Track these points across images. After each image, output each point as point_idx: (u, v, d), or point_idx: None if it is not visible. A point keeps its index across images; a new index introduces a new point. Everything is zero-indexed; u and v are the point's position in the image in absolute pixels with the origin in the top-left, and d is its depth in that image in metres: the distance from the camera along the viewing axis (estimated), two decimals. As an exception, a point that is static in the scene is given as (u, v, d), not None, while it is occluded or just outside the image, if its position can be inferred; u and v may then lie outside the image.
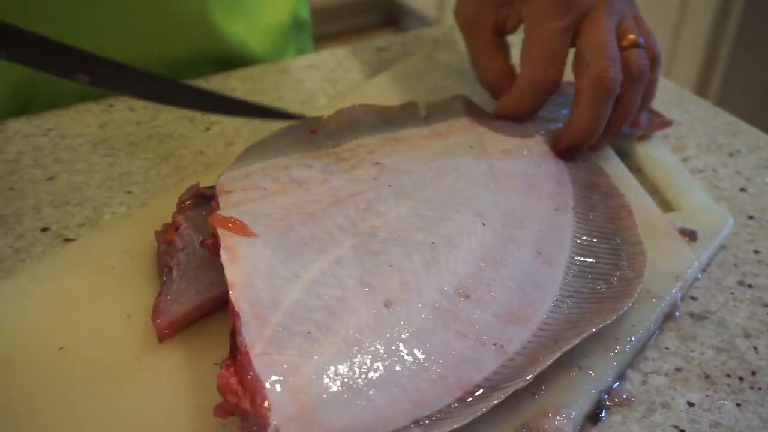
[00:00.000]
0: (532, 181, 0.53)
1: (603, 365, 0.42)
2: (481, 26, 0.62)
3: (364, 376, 0.37)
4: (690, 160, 0.64)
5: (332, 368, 0.37)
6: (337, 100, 0.67)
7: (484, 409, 0.36)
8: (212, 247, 0.43)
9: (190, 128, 0.66)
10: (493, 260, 0.45)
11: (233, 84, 0.73)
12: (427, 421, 0.36)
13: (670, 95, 0.73)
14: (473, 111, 0.62)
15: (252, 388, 0.35)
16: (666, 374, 0.44)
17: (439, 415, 0.36)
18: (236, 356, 0.36)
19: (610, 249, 0.48)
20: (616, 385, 0.43)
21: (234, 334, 0.37)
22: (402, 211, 0.47)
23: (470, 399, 0.38)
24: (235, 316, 0.38)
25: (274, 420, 0.33)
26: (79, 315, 0.44)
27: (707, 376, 0.44)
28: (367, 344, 0.38)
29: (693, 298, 0.49)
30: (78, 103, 0.69)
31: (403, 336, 0.39)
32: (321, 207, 0.47)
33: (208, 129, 0.66)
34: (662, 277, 0.48)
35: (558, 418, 0.39)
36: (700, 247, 0.51)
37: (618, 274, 0.46)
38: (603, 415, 0.41)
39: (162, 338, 0.42)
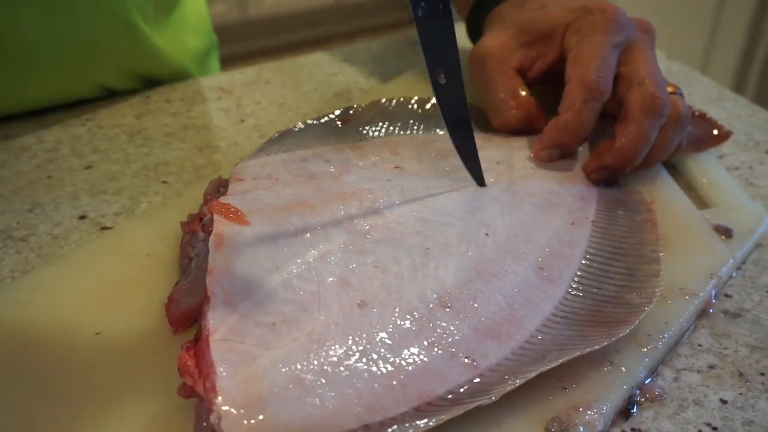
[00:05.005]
0: (552, 199, 0.52)
1: (635, 361, 0.42)
2: (507, 63, 0.59)
3: (318, 374, 0.36)
4: (726, 158, 0.63)
5: (288, 362, 0.36)
6: (371, 94, 0.67)
7: (432, 424, 0.35)
8: (208, 232, 0.44)
9: (225, 120, 0.67)
10: (487, 272, 0.44)
11: (268, 76, 0.74)
12: (378, 427, 0.35)
13: (707, 91, 0.72)
14: None
15: (206, 372, 0.35)
16: (699, 371, 0.43)
17: (391, 423, 0.35)
18: (198, 339, 0.37)
19: (623, 268, 0.47)
20: (648, 381, 0.42)
21: (201, 318, 0.38)
22: (404, 214, 0.47)
23: (427, 410, 0.36)
24: (206, 299, 0.38)
25: (218, 406, 0.34)
26: (116, 301, 0.45)
27: (741, 374, 0.43)
28: (330, 342, 0.38)
29: (727, 296, 0.49)
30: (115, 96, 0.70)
31: (370, 338, 0.38)
32: (324, 202, 0.47)
33: (242, 121, 0.67)
34: (697, 274, 0.48)
35: (589, 412, 0.39)
36: (736, 244, 0.51)
37: (625, 297, 0.44)
38: (635, 410, 0.41)
39: (176, 329, 0.43)
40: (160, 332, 0.43)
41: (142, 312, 0.44)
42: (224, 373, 0.35)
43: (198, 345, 0.36)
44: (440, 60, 0.49)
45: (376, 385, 0.36)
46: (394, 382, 0.37)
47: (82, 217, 0.55)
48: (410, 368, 0.37)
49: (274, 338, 0.37)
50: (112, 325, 0.43)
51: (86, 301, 0.45)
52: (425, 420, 0.35)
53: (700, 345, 0.45)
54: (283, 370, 0.36)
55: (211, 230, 0.43)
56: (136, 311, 0.44)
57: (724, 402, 0.41)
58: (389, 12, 3.06)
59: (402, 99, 0.61)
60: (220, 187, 0.51)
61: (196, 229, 0.47)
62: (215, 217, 0.43)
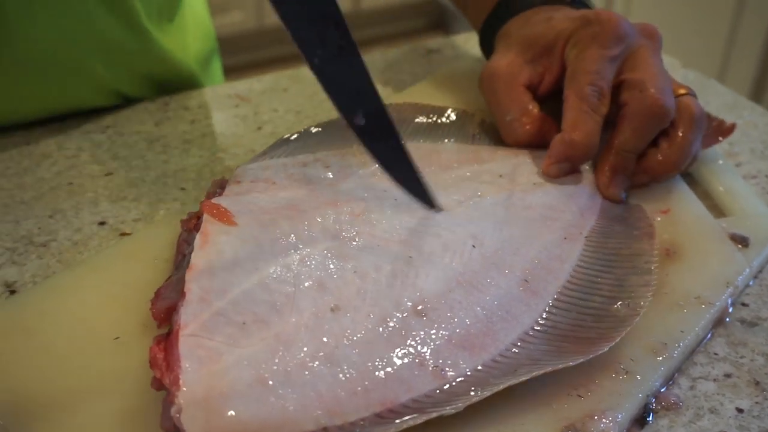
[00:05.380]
0: (550, 214, 0.51)
1: (650, 370, 0.42)
2: (516, 81, 0.59)
3: (282, 375, 0.36)
4: (743, 166, 0.63)
5: (253, 361, 0.37)
6: (386, 102, 0.67)
7: (391, 431, 0.35)
8: (195, 230, 0.45)
9: (243, 127, 0.68)
10: (468, 283, 0.44)
11: (285, 84, 0.74)
12: (336, 430, 0.35)
13: (724, 99, 0.72)
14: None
15: (172, 366, 0.36)
16: (715, 380, 0.43)
17: (351, 428, 0.36)
18: (170, 334, 0.38)
19: (613, 279, 0.46)
20: (663, 389, 0.42)
21: (174, 313, 0.38)
22: (393, 223, 0.47)
23: (388, 416, 0.36)
24: (182, 295, 0.39)
25: (179, 399, 0.34)
26: (135, 307, 0.45)
27: (757, 383, 0.43)
28: (297, 344, 0.38)
29: (744, 305, 0.49)
30: (135, 102, 0.71)
31: (338, 342, 0.39)
32: (315, 207, 0.47)
33: (260, 128, 0.67)
34: (713, 283, 0.48)
35: (604, 421, 0.39)
36: (752, 253, 0.51)
37: (611, 309, 0.44)
38: (650, 418, 0.41)
39: (160, 323, 0.42)
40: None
41: (161, 317, 0.45)
42: (189, 368, 0.36)
43: (168, 339, 0.37)
44: (355, 101, 0.46)
45: (338, 389, 0.37)
46: (358, 387, 0.37)
47: (102, 223, 0.55)
48: (375, 374, 0.38)
49: (242, 337, 0.38)
50: (132, 330, 0.44)
51: (106, 306, 0.45)
52: (384, 426, 0.36)
53: (716, 354, 0.45)
54: (248, 368, 0.36)
55: (188, 220, 0.45)
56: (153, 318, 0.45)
57: (740, 411, 0.41)
58: (405, 20, 3.07)
59: (414, 105, 0.61)
60: (224, 186, 0.51)
61: (192, 227, 0.48)
62: (204, 216, 0.44)
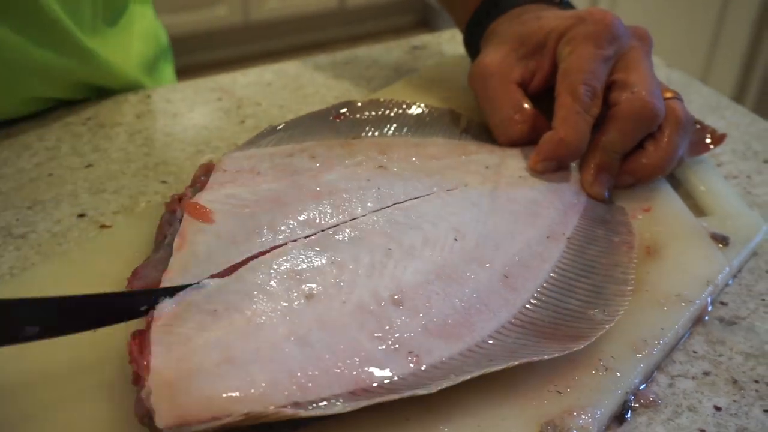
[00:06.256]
0: (535, 209, 0.51)
1: (630, 367, 0.42)
2: (508, 78, 0.59)
3: (252, 354, 0.37)
4: (725, 166, 0.63)
5: (222, 343, 0.37)
6: (371, 98, 0.67)
7: (366, 403, 0.36)
8: (177, 214, 0.46)
9: (226, 120, 0.67)
10: (447, 276, 0.44)
11: (269, 78, 0.74)
12: (307, 404, 0.36)
13: (706, 100, 0.72)
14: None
15: (145, 355, 0.36)
16: (693, 378, 0.43)
17: (320, 401, 0.36)
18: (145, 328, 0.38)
19: (591, 285, 0.46)
20: (642, 386, 0.42)
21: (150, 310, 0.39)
22: (375, 215, 0.47)
23: (362, 395, 0.37)
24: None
25: (149, 383, 0.35)
26: (114, 299, 0.45)
27: (735, 381, 0.43)
28: (269, 327, 0.38)
29: (723, 303, 0.49)
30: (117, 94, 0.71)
31: (309, 326, 0.39)
32: (298, 199, 0.47)
33: (243, 122, 0.67)
34: (693, 281, 0.48)
35: (583, 417, 0.39)
36: (732, 252, 0.51)
37: (589, 313, 0.44)
38: (629, 415, 0.41)
39: None
40: (157, 331, 0.43)
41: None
42: (158, 352, 0.36)
43: (143, 333, 0.38)
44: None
45: (310, 368, 0.37)
46: (331, 367, 0.37)
47: (82, 215, 0.55)
48: (349, 355, 0.38)
49: (212, 322, 0.38)
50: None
51: (84, 298, 0.45)
52: (356, 402, 0.36)
53: (695, 352, 0.45)
54: (216, 349, 0.37)
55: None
56: (133, 309, 0.44)
57: (718, 409, 0.42)
58: (390, 17, 3.07)
59: (400, 101, 0.61)
60: (210, 171, 0.51)
61: (175, 209, 0.48)
62: (184, 216, 0.45)
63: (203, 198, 0.47)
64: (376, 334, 0.40)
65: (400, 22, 3.09)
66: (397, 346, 0.39)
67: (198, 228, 0.44)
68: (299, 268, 0.42)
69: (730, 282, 0.50)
